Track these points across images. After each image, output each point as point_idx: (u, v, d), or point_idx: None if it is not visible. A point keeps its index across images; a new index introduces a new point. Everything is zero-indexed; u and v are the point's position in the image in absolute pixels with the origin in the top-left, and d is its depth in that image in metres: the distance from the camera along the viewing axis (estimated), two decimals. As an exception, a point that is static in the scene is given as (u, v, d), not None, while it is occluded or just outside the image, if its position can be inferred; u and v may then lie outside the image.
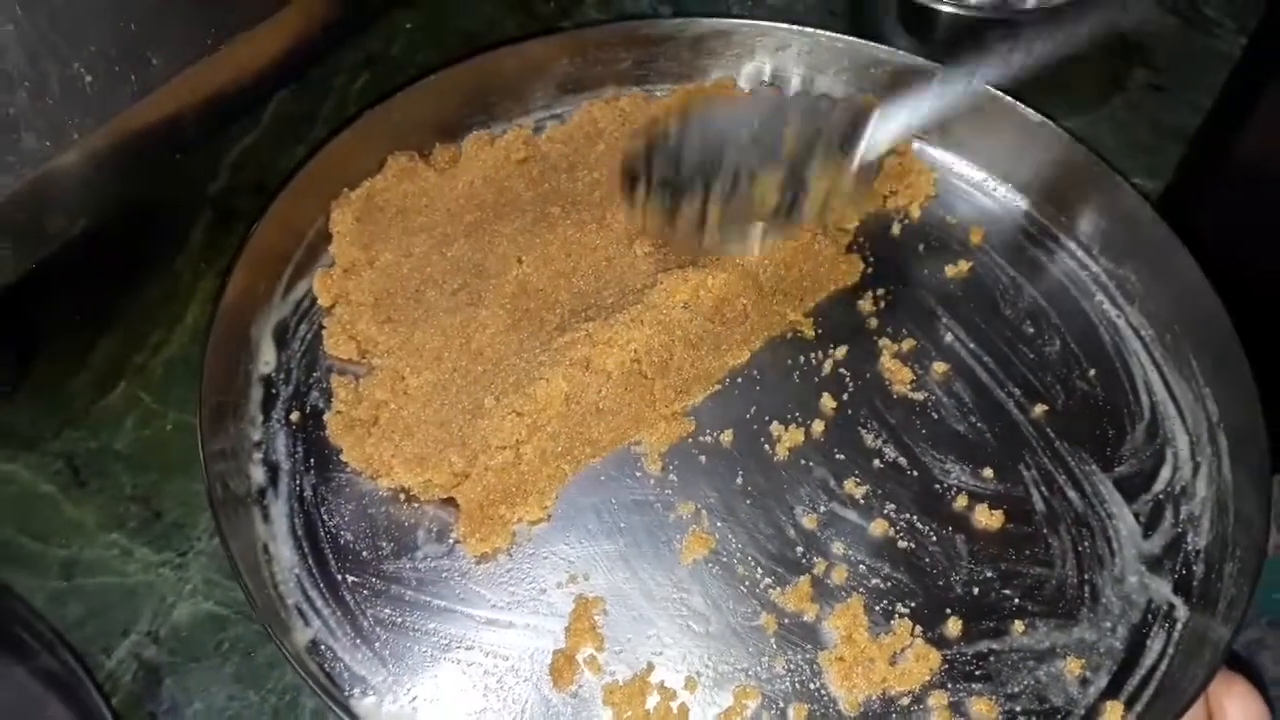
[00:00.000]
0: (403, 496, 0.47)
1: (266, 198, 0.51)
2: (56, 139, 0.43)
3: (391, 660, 0.44)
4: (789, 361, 0.51)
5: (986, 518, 0.47)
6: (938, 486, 0.48)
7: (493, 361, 0.49)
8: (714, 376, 0.51)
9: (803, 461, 0.49)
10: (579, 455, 0.48)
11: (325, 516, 0.47)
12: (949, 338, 0.52)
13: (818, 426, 0.49)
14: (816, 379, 0.51)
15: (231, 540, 0.43)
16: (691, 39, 0.58)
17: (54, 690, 0.44)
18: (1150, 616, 0.45)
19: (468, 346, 0.50)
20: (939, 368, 0.51)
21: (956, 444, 0.49)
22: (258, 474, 0.48)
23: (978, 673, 0.44)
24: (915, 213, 0.56)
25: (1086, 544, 0.47)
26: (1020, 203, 0.57)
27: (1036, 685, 0.44)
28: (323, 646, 0.44)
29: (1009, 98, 0.53)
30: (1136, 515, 0.48)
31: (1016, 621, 0.45)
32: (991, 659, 0.44)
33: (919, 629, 0.44)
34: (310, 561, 0.46)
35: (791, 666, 0.44)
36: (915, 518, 0.47)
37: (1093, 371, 0.51)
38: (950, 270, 0.54)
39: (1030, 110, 0.54)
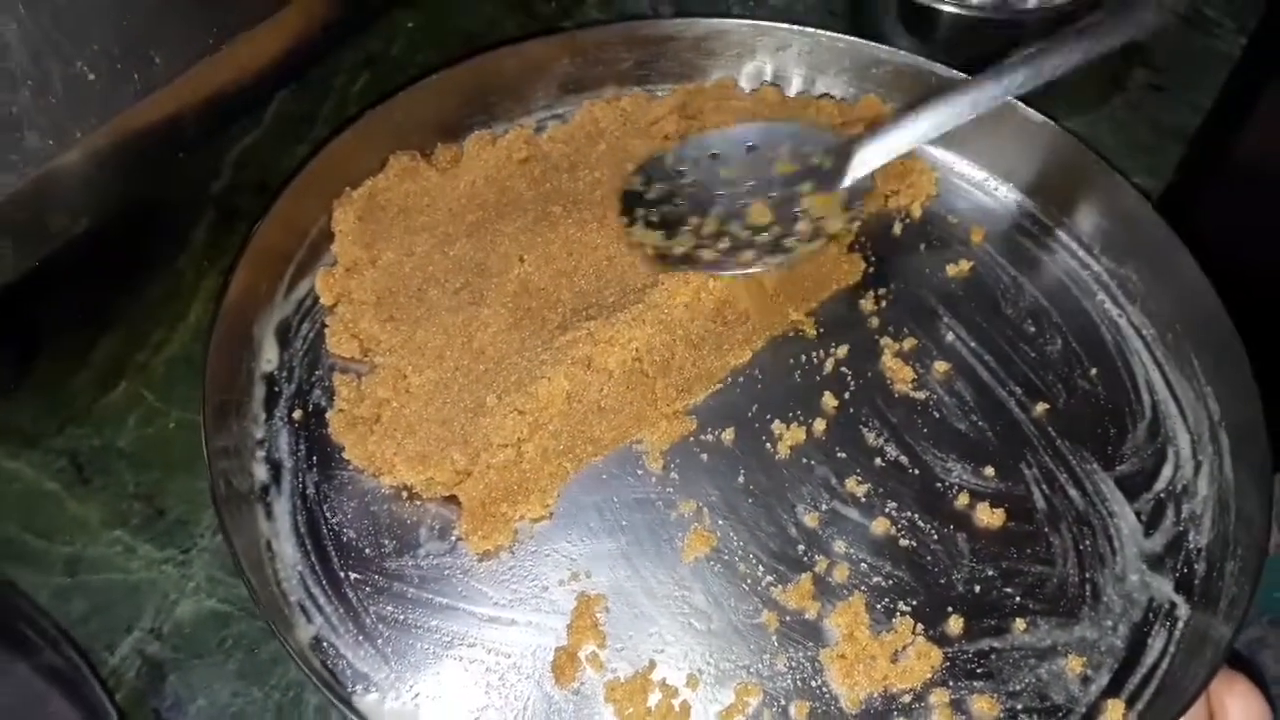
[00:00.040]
0: (405, 494, 0.47)
1: (269, 197, 0.51)
2: (59, 137, 0.43)
3: (394, 657, 0.44)
4: (790, 360, 0.52)
5: (988, 516, 0.47)
6: (939, 485, 0.48)
7: (495, 360, 0.49)
8: (716, 376, 0.51)
9: (804, 460, 0.49)
10: (581, 453, 0.48)
11: (328, 514, 0.47)
12: (950, 337, 0.52)
13: (819, 425, 0.49)
14: (818, 378, 0.51)
15: (234, 537, 0.43)
16: (692, 39, 0.58)
17: (57, 686, 0.44)
18: (1151, 615, 0.45)
19: (470, 345, 0.50)
20: (940, 366, 0.51)
21: (958, 442, 0.49)
22: (260, 471, 0.48)
23: (979, 671, 0.44)
24: (916, 212, 0.56)
25: (1088, 542, 0.47)
26: (1021, 202, 0.57)
27: (1038, 683, 0.44)
28: (325, 643, 0.44)
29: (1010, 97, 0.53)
30: (1138, 514, 0.48)
31: (1018, 619, 0.45)
32: (993, 657, 0.44)
33: (920, 627, 0.44)
34: (313, 559, 0.46)
35: (793, 664, 0.44)
36: (917, 516, 0.47)
37: (1094, 370, 0.51)
38: (951, 269, 0.54)
39: (1031, 110, 0.54)
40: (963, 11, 0.57)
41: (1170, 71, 0.63)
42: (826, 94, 0.59)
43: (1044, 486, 0.48)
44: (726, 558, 0.46)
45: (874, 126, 0.52)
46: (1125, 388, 0.51)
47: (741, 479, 0.48)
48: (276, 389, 0.50)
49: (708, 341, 0.51)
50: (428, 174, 0.55)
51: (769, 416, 0.50)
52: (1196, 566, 0.46)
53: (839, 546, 0.46)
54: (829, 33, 0.57)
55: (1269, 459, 0.46)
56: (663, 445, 0.49)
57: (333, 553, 0.46)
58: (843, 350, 0.52)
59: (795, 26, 0.58)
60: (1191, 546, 0.47)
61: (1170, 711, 0.41)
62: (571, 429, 0.48)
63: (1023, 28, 0.57)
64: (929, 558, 0.46)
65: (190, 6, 0.47)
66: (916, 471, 0.48)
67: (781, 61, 0.59)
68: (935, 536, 0.47)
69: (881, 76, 0.58)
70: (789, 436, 0.49)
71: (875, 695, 0.43)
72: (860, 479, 0.48)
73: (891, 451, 0.49)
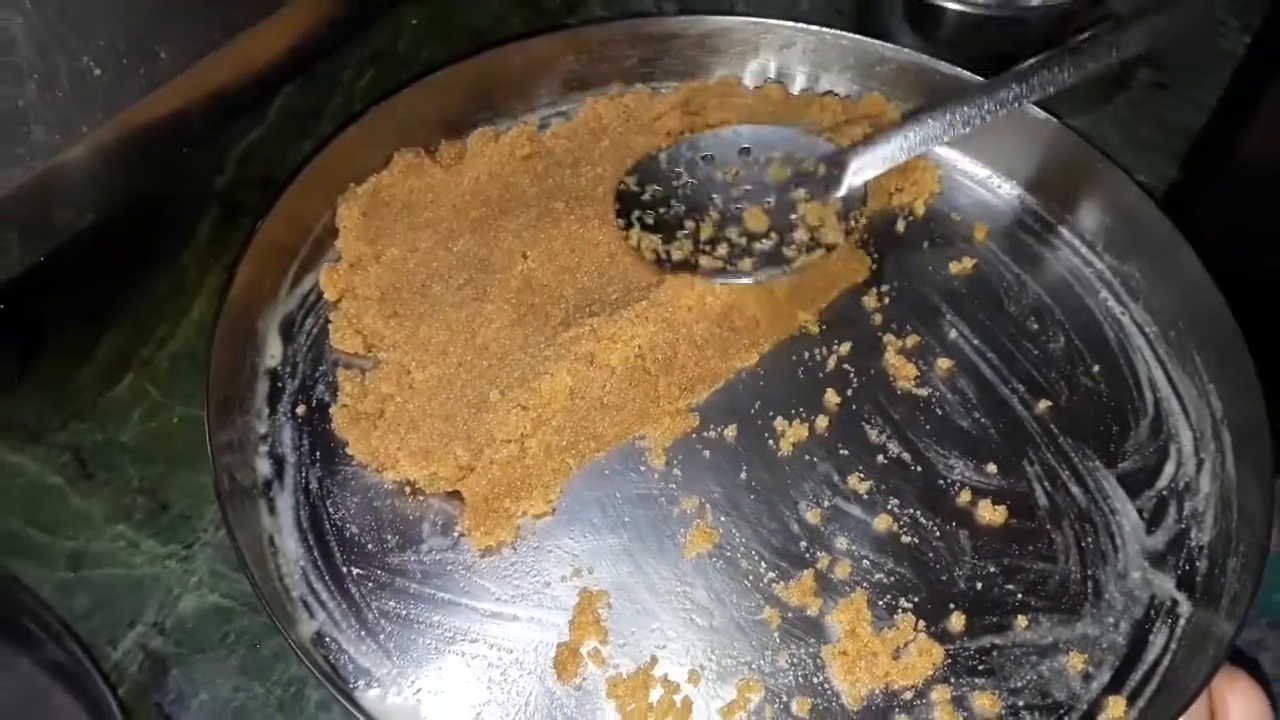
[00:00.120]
0: (408, 490, 0.47)
1: (273, 193, 0.51)
2: (65, 132, 0.44)
3: (396, 653, 0.44)
4: (793, 357, 0.52)
5: (990, 513, 0.47)
6: (941, 482, 0.48)
7: (498, 356, 0.50)
8: (719, 377, 0.51)
9: (806, 457, 0.49)
10: (583, 450, 0.48)
11: (331, 509, 0.47)
12: (953, 334, 0.52)
13: (822, 422, 0.49)
14: (820, 374, 0.51)
15: (238, 532, 0.43)
16: (696, 36, 0.58)
17: (60, 680, 0.44)
18: (1153, 612, 0.45)
19: (473, 341, 0.50)
20: (943, 364, 0.51)
21: (960, 439, 0.49)
22: (264, 467, 0.48)
23: (980, 667, 0.44)
24: (920, 209, 0.56)
25: (1090, 539, 0.47)
26: (1025, 199, 0.57)
27: (1039, 680, 0.44)
28: (328, 639, 0.44)
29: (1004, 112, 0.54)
30: (1140, 511, 0.48)
31: (1019, 616, 0.45)
32: (994, 654, 0.44)
33: (922, 624, 0.44)
34: (316, 554, 0.46)
35: (795, 660, 0.44)
36: (919, 513, 0.47)
37: (1096, 368, 0.51)
38: (954, 267, 0.54)
39: (1035, 107, 0.54)
40: (968, 9, 0.57)
41: (1174, 69, 0.63)
42: (830, 91, 0.59)
43: (1046, 484, 0.48)
44: (729, 554, 0.46)
45: (869, 137, 0.53)
46: (1128, 385, 0.51)
47: (744, 475, 0.48)
48: (280, 384, 0.50)
49: (712, 344, 0.51)
50: (432, 170, 0.55)
51: (771, 413, 0.50)
52: (1198, 564, 0.46)
53: (841, 543, 0.46)
54: (833, 30, 0.57)
55: (1271, 456, 0.46)
56: (665, 441, 0.49)
57: (335, 548, 0.46)
58: (845, 347, 0.52)
59: (799, 24, 0.58)
60: (1193, 544, 0.47)
61: (1172, 708, 0.41)
62: (574, 425, 0.48)
63: (1027, 25, 0.57)
64: (931, 555, 0.46)
65: (196, 2, 0.47)
66: (919, 468, 0.48)
67: (785, 59, 0.59)
68: (937, 533, 0.47)
69: (885, 74, 0.58)
70: (791, 433, 0.49)
71: (877, 692, 0.43)
72: (862, 476, 0.48)
73: (894, 448, 0.49)
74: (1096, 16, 0.55)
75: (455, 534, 0.46)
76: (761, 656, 0.44)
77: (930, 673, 0.43)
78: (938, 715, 0.43)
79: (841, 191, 0.52)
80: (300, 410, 0.49)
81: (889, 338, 0.52)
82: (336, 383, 0.50)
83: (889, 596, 0.45)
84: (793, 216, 0.53)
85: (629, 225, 0.53)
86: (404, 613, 0.45)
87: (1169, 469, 0.49)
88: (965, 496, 0.48)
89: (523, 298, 0.51)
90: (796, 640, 0.44)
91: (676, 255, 0.52)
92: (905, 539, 0.47)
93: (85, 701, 0.43)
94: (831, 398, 0.50)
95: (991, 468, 0.48)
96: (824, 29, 0.57)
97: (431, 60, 0.60)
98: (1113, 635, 0.45)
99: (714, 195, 0.54)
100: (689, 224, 0.53)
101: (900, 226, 0.56)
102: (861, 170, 0.52)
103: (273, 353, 0.51)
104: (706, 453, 0.49)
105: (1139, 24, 0.52)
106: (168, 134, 0.49)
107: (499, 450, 0.47)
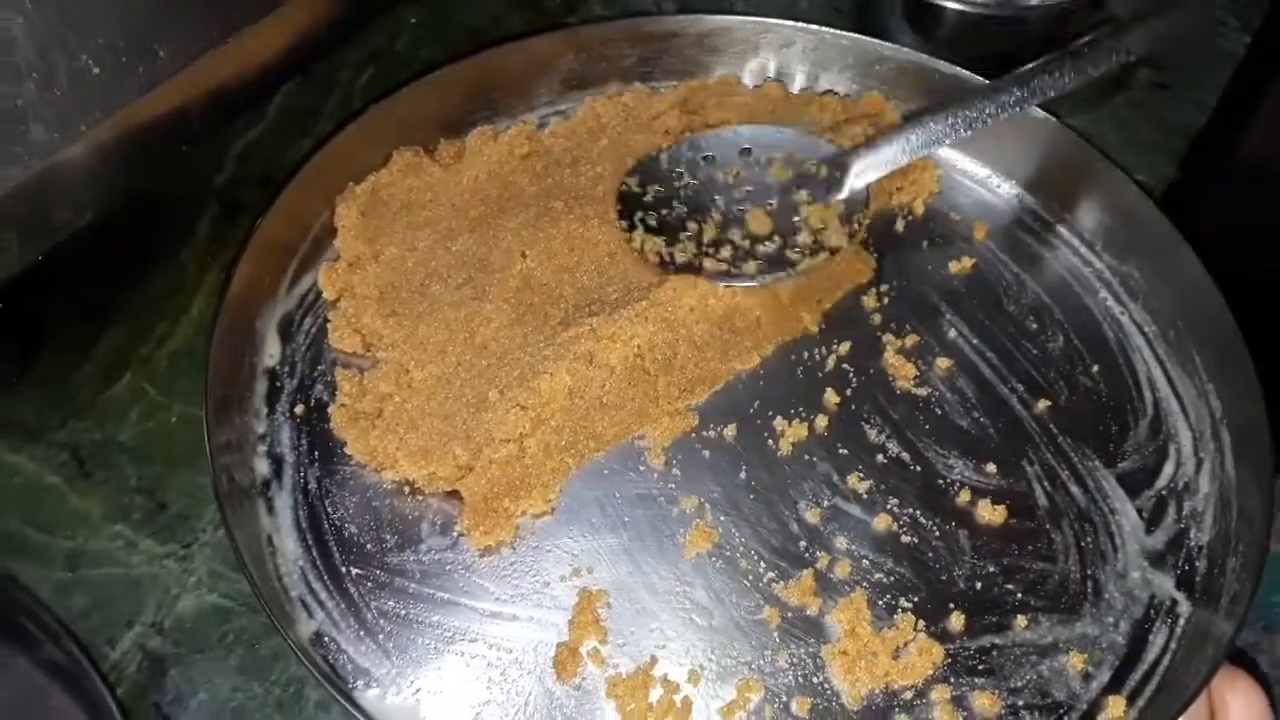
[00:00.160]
0: (407, 489, 0.47)
1: (272, 191, 0.51)
2: (63, 131, 0.43)
3: (395, 652, 0.44)
4: (792, 357, 0.51)
5: (989, 513, 0.47)
6: (941, 482, 0.48)
7: (497, 355, 0.49)
8: (719, 378, 0.51)
9: (806, 456, 0.49)
10: (582, 449, 0.48)
11: (329, 509, 0.47)
12: (952, 333, 0.52)
13: (821, 421, 0.49)
14: (820, 374, 0.51)
15: (236, 532, 0.43)
16: (696, 35, 0.58)
17: (58, 681, 0.44)
18: (1153, 612, 0.45)
19: (472, 340, 0.50)
20: (942, 363, 0.51)
21: (960, 439, 0.49)
22: (262, 466, 0.48)
23: (980, 667, 0.44)
24: (919, 209, 0.56)
25: (1089, 539, 0.47)
26: (1024, 199, 0.57)
27: (1039, 680, 0.44)
28: (326, 639, 0.44)
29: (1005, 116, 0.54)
30: (1139, 511, 0.48)
31: (1019, 616, 0.45)
32: (994, 653, 0.44)
33: (922, 623, 0.44)
34: (314, 554, 0.46)
35: (794, 660, 0.44)
36: (918, 513, 0.47)
37: (1096, 367, 0.51)
38: (954, 266, 0.54)
39: (1035, 107, 0.54)
40: (967, 8, 0.57)
41: (1174, 69, 0.63)
42: (830, 91, 0.59)
43: (1045, 483, 0.48)
44: (728, 554, 0.46)
45: (870, 139, 0.53)
46: (1127, 385, 0.51)
47: (743, 475, 0.48)
48: (278, 384, 0.50)
49: (712, 345, 0.51)
50: (430, 169, 0.55)
51: (771, 413, 0.50)
52: (1198, 564, 0.46)
53: (840, 543, 0.46)
54: (832, 29, 0.57)
55: (1271, 456, 0.45)
56: (665, 441, 0.49)
57: (334, 548, 0.46)
58: (845, 347, 0.52)
59: (799, 23, 0.58)
60: (1193, 544, 0.47)
61: (1171, 708, 0.41)
62: (573, 424, 0.48)
63: (1026, 24, 0.57)
64: (930, 554, 0.46)
65: (195, 1, 0.47)
66: (918, 468, 0.48)
67: (785, 58, 0.59)
68: (937, 533, 0.47)
69: (885, 73, 0.58)
70: (791, 433, 0.49)
71: (877, 691, 0.43)
72: (862, 475, 0.48)
73: (893, 448, 0.49)
74: (1096, 20, 0.56)
75: (454, 534, 0.46)
76: (761, 656, 0.44)
77: (930, 672, 0.43)
78: (937, 715, 0.43)
79: (844, 194, 0.53)
80: (299, 410, 0.49)
81: (888, 337, 0.52)
82: (335, 382, 0.50)
83: (889, 596, 0.45)
84: (795, 219, 0.53)
85: (632, 227, 0.53)
86: (403, 612, 0.45)
87: (1168, 469, 0.49)
88: (965, 496, 0.48)
89: (522, 297, 0.51)
90: (796, 640, 0.44)
91: (680, 258, 0.52)
92: (905, 539, 0.47)
93: (83, 701, 0.43)
94: (831, 397, 0.50)
95: (991, 467, 0.48)
96: (823, 28, 0.57)
97: (430, 59, 0.60)
98: (1112, 635, 0.45)
99: (716, 196, 0.54)
100: (691, 226, 0.53)
101: (900, 226, 0.56)
102: (863, 172, 0.53)
103: (271, 352, 0.51)
104: (706, 452, 0.49)
105: (1139, 27, 0.52)
106: (167, 132, 0.49)
107: (498, 450, 0.47)
